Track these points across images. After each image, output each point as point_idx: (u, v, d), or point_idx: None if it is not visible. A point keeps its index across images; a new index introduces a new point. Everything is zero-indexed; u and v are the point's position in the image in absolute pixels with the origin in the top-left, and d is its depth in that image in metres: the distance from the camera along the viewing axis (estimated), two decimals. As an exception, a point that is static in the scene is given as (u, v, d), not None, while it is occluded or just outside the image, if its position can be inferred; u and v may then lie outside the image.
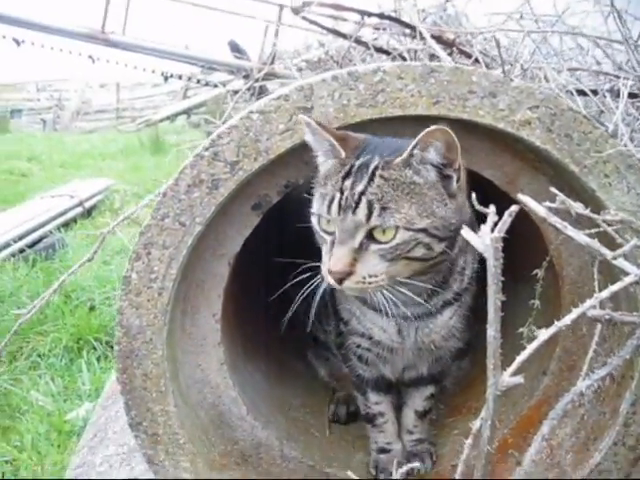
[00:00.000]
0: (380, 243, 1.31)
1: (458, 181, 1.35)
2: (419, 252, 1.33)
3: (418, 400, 1.75)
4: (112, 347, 3.70)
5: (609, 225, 1.12)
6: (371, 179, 1.31)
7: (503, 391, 1.07)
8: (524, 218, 1.36)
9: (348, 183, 1.32)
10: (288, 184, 1.43)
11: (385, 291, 1.35)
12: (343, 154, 1.36)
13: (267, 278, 1.96)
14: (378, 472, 1.68)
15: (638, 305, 1.28)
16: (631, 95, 2.66)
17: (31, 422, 3.02)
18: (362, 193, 1.30)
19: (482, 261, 0.96)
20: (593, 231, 1.13)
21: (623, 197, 1.32)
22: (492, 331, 0.89)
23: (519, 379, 0.93)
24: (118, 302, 1.34)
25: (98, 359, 3.63)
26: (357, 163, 1.35)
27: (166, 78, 7.40)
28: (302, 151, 1.38)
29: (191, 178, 1.30)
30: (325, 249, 1.36)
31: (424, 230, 1.32)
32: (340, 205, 1.32)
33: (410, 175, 1.32)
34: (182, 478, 1.41)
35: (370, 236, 1.31)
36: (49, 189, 6.98)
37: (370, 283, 1.31)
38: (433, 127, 1.26)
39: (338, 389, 2.00)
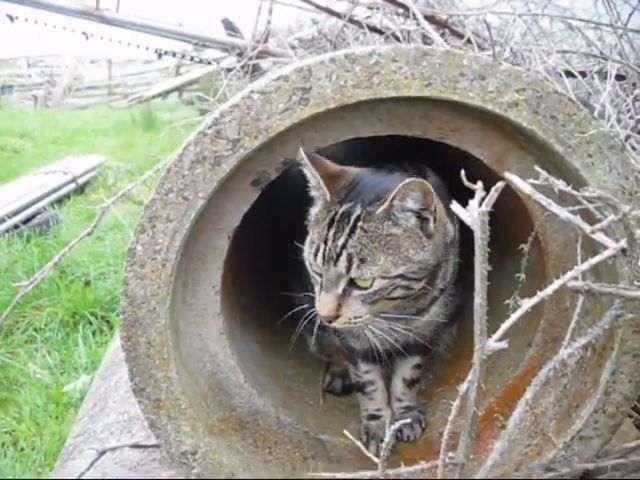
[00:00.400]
0: (361, 289, 1.45)
1: (435, 221, 1.48)
2: (398, 293, 1.48)
3: (406, 369, 1.83)
4: (107, 322, 3.80)
5: (590, 202, 1.19)
6: (352, 231, 1.44)
7: (489, 357, 1.14)
8: (511, 196, 1.43)
9: (331, 234, 1.46)
10: (286, 161, 1.49)
11: (371, 327, 1.52)
12: (328, 197, 1.49)
13: (264, 252, 2.03)
14: (369, 438, 1.76)
15: (617, 278, 1.34)
16: (619, 77, 2.73)
17: (29, 394, 3.09)
18: (343, 246, 1.44)
19: (469, 233, 1.03)
20: (576, 208, 1.19)
21: (605, 176, 1.39)
22: (479, 299, 0.96)
23: (504, 344, 1.00)
24: (123, 273, 1.39)
25: (94, 333, 3.70)
26: (340, 210, 1.48)
27: (160, 55, 7.39)
28: (299, 130, 1.44)
29: (194, 155, 1.36)
30: (316, 289, 1.51)
31: (400, 276, 1.46)
32: (324, 256, 1.46)
33: (389, 226, 1.44)
34: (183, 441, 1.48)
35: (352, 283, 1.45)
36: (42, 165, 6.99)
37: (355, 323, 1.48)
38: (409, 180, 1.39)
39: (330, 363, 2.07)
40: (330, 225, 1.47)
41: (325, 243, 1.46)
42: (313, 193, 1.56)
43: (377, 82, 1.35)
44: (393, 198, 1.41)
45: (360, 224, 1.45)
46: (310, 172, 1.51)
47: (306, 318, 1.60)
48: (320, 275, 1.49)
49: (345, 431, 1.26)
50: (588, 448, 1.50)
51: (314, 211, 1.56)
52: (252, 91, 1.34)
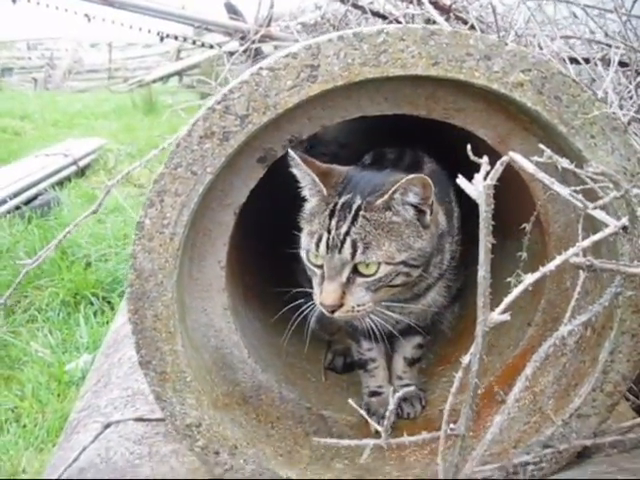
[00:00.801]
0: (365, 276, 1.49)
1: (431, 214, 1.55)
2: (399, 280, 1.53)
3: (407, 348, 1.87)
4: (109, 302, 3.83)
5: (593, 181, 1.21)
6: (354, 219, 1.49)
7: (490, 335, 1.17)
8: (514, 179, 1.45)
9: (334, 223, 1.50)
10: (292, 139, 1.51)
11: (373, 316, 1.55)
12: (325, 192, 1.55)
13: (268, 230, 2.05)
14: (370, 414, 1.78)
15: (618, 258, 1.36)
16: (621, 64, 2.74)
17: (31, 372, 3.13)
18: (347, 233, 1.48)
19: (472, 209, 1.05)
20: (578, 188, 1.21)
21: (607, 157, 1.41)
22: (482, 272, 0.98)
23: (506, 316, 1.02)
24: (131, 246, 1.41)
25: (95, 313, 3.74)
26: (340, 201, 1.53)
27: (162, 38, 7.37)
28: (307, 107, 1.46)
29: (203, 130, 1.37)
30: (315, 281, 1.54)
31: (403, 262, 1.51)
32: (328, 244, 1.49)
33: (390, 216, 1.50)
34: (188, 414, 1.50)
35: (355, 270, 1.49)
36: (43, 148, 7.00)
37: (359, 311, 1.51)
38: (413, 176, 1.46)
39: (332, 341, 2.10)
40: (331, 215, 1.52)
41: (328, 232, 1.50)
42: (305, 192, 1.60)
43: (384, 60, 1.37)
44: (395, 191, 1.48)
45: (362, 213, 1.50)
46: (303, 171, 1.55)
47: (301, 313, 1.64)
48: (320, 267, 1.52)
49: (350, 401, 1.28)
50: (586, 426, 1.53)
51: (309, 206, 1.60)
52: (261, 67, 1.36)
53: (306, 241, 1.56)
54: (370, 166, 1.75)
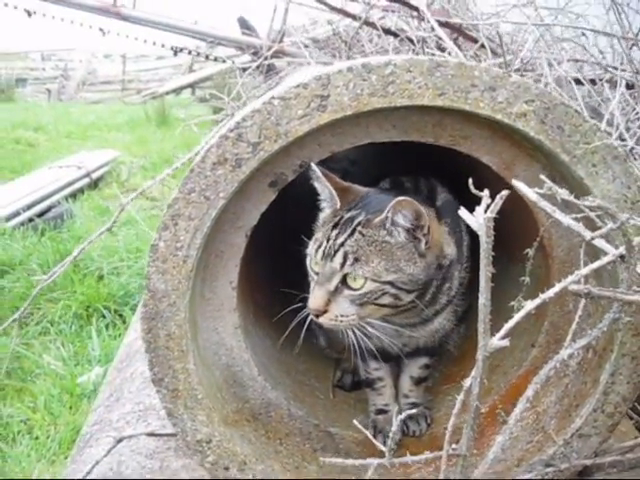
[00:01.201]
0: (351, 289, 1.55)
1: (427, 244, 1.59)
2: (386, 300, 1.57)
3: (414, 368, 1.91)
4: (120, 315, 3.88)
5: (591, 211, 1.25)
6: (352, 233, 1.56)
7: (495, 356, 1.20)
8: (519, 204, 1.50)
9: (334, 233, 1.58)
10: (302, 164, 1.56)
11: (356, 330, 1.59)
12: (338, 205, 1.63)
13: (277, 250, 2.09)
14: (376, 432, 1.82)
15: (618, 283, 1.40)
16: (628, 86, 2.78)
17: (44, 384, 3.17)
18: (342, 244, 1.55)
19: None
20: (579, 215, 1.25)
21: (609, 185, 1.45)
22: (483, 299, 1.02)
23: (506, 342, 1.06)
24: (146, 268, 1.46)
25: (107, 326, 3.78)
26: (346, 216, 1.60)
27: (175, 52, 7.47)
28: (317, 134, 1.51)
29: (216, 157, 1.43)
30: (311, 286, 1.60)
31: (390, 283, 1.55)
32: (323, 252, 1.57)
33: (383, 235, 1.55)
34: (199, 430, 1.54)
35: (344, 282, 1.55)
36: (56, 159, 7.08)
37: (342, 321, 1.56)
38: (400, 198, 1.51)
39: (340, 359, 2.14)
40: (334, 227, 1.60)
41: (327, 241, 1.58)
42: (323, 204, 1.68)
43: (392, 91, 1.41)
44: (388, 211, 1.53)
45: (359, 228, 1.56)
46: (323, 184, 1.64)
47: (305, 323, 1.67)
48: (316, 274, 1.59)
49: (355, 421, 1.32)
50: (587, 446, 1.56)
51: (322, 216, 1.68)
52: (273, 97, 1.41)
53: (310, 247, 1.63)
54: (388, 191, 1.79)
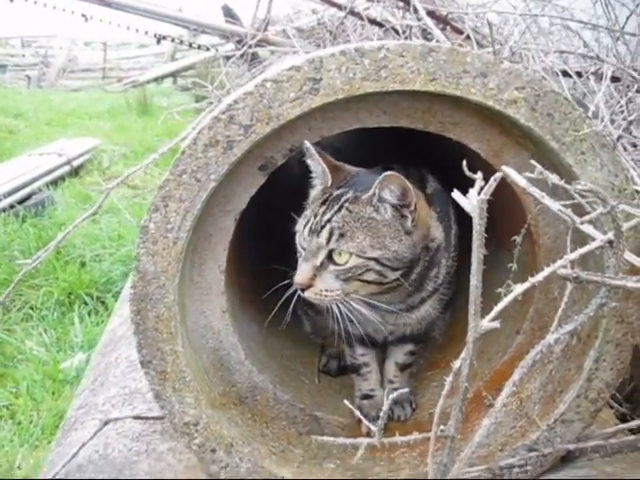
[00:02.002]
0: (337, 265, 1.56)
1: (413, 221, 1.60)
2: (371, 277, 1.58)
3: (399, 354, 1.93)
4: (103, 302, 3.87)
5: (582, 197, 1.27)
6: (339, 209, 1.58)
7: (480, 343, 1.21)
8: (507, 193, 1.51)
9: (322, 210, 1.60)
10: (293, 148, 1.56)
11: (341, 305, 1.60)
12: (329, 182, 1.65)
13: (265, 235, 2.10)
14: (362, 416, 1.83)
15: (604, 269, 1.42)
16: (614, 79, 2.80)
17: (26, 370, 3.17)
18: (328, 220, 1.58)
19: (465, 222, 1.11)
20: (568, 203, 1.27)
21: (596, 173, 1.47)
22: (474, 281, 1.03)
23: (496, 324, 1.07)
24: (135, 249, 1.45)
25: (89, 313, 3.78)
26: (335, 193, 1.63)
27: (159, 40, 7.40)
28: (308, 118, 1.52)
29: (208, 138, 1.42)
30: (299, 262, 1.61)
31: (375, 259, 1.57)
32: (311, 228, 1.60)
33: (370, 211, 1.57)
34: (187, 412, 1.54)
35: (330, 257, 1.57)
36: (36, 146, 7.03)
37: (326, 296, 1.58)
38: (388, 173, 1.53)
39: (326, 345, 2.15)
40: (323, 203, 1.62)
41: (315, 217, 1.60)
42: (315, 182, 1.69)
43: (384, 75, 1.42)
44: (375, 187, 1.55)
45: (347, 205, 1.58)
46: (316, 161, 1.64)
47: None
48: (304, 249, 1.61)
49: (346, 401, 1.33)
50: (570, 431, 1.58)
51: (313, 193, 1.69)
52: (265, 79, 1.41)
53: (299, 223, 1.66)
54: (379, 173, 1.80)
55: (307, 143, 1.57)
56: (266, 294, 1.75)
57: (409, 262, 1.62)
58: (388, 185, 1.54)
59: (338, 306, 1.60)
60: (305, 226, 1.62)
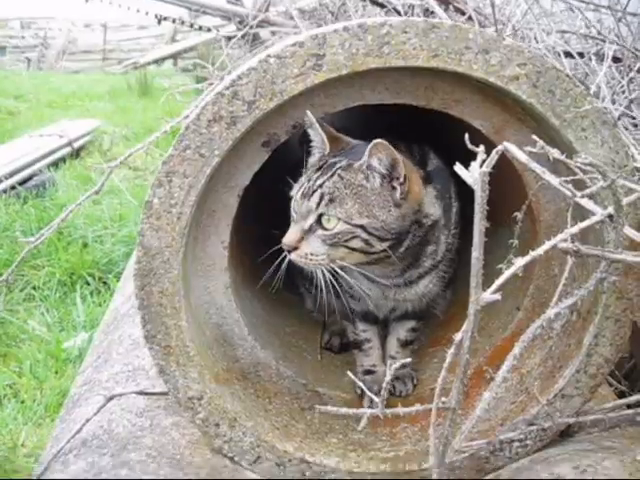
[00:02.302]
0: (325, 230, 1.59)
1: (402, 194, 1.62)
2: (357, 244, 1.61)
3: (401, 331, 1.95)
4: (105, 282, 3.88)
5: (583, 173, 1.28)
6: (331, 176, 1.61)
7: (481, 319, 1.23)
8: (508, 170, 1.52)
9: (315, 176, 1.63)
10: (296, 124, 1.57)
11: (326, 272, 1.63)
12: (327, 150, 1.68)
13: (268, 213, 2.11)
14: (364, 391, 1.85)
15: (604, 245, 1.43)
16: (615, 59, 2.80)
17: (29, 349, 3.18)
18: (320, 185, 1.61)
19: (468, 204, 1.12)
20: (569, 179, 1.28)
21: (597, 150, 1.47)
22: (476, 254, 1.04)
23: (497, 296, 1.09)
24: (139, 225, 1.47)
25: (91, 293, 3.79)
26: (330, 160, 1.66)
27: (159, 21, 7.38)
28: (311, 95, 1.53)
29: (212, 114, 1.43)
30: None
31: (362, 227, 1.59)
32: (303, 192, 1.63)
33: (360, 179, 1.60)
34: (190, 387, 1.56)
35: (319, 222, 1.60)
36: (37, 128, 7.01)
37: (311, 260, 1.61)
38: (377, 140, 1.55)
39: (328, 322, 2.17)
40: (317, 170, 1.66)
41: (308, 182, 1.64)
42: (314, 151, 1.72)
43: (387, 52, 1.43)
44: (366, 155, 1.58)
45: (339, 172, 1.61)
46: (316, 131, 1.66)
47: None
48: (296, 213, 1.64)
49: (349, 372, 1.35)
50: (569, 406, 1.60)
51: (310, 160, 1.72)
52: (269, 55, 1.42)
53: (294, 189, 1.68)
54: None
55: (309, 113, 1.58)
56: (262, 257, 1.78)
57: (397, 234, 1.64)
58: (377, 153, 1.57)
59: (323, 273, 1.63)
60: (298, 191, 1.65)
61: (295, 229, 1.61)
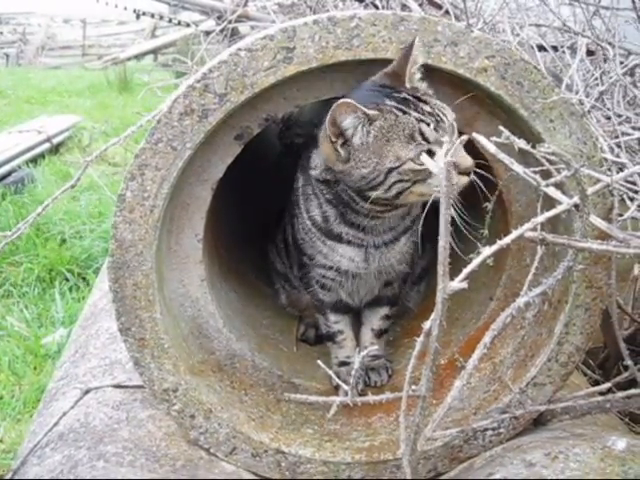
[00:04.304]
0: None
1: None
2: None
3: (374, 319, 1.96)
4: (84, 278, 3.86)
5: (550, 163, 1.30)
6: (425, 102, 1.49)
7: (455, 309, 1.25)
8: (479, 160, 1.54)
9: (415, 114, 1.47)
10: (268, 117, 1.58)
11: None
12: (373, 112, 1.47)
13: (243, 206, 2.12)
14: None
15: (572, 234, 1.45)
16: (589, 52, 2.84)
17: (8, 346, 3.15)
18: (433, 109, 1.47)
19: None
20: (537, 169, 1.30)
21: (565, 141, 1.50)
22: (442, 242, 1.06)
23: (464, 284, 1.10)
24: (112, 218, 1.47)
25: (70, 289, 3.76)
26: (391, 103, 1.49)
27: (138, 16, 7.35)
28: (282, 87, 1.53)
29: (183, 107, 1.44)
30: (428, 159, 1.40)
31: None
32: (431, 126, 1.45)
33: (420, 84, 1.53)
34: (165, 379, 1.57)
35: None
36: (16, 124, 6.94)
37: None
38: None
39: (302, 314, 2.19)
40: (410, 105, 1.49)
41: (421, 121, 1.46)
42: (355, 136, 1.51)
43: (357, 44, 1.44)
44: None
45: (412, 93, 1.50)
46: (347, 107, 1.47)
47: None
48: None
49: (320, 362, 1.36)
50: (541, 394, 1.63)
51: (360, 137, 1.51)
52: (239, 48, 1.43)
53: (404, 152, 1.46)
54: None
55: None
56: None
57: None
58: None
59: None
60: (426, 127, 1.46)
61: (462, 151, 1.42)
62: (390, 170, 1.47)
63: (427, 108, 1.48)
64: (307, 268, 1.88)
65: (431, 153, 1.42)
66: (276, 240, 2.18)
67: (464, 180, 1.45)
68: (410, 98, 1.49)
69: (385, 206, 1.61)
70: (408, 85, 1.50)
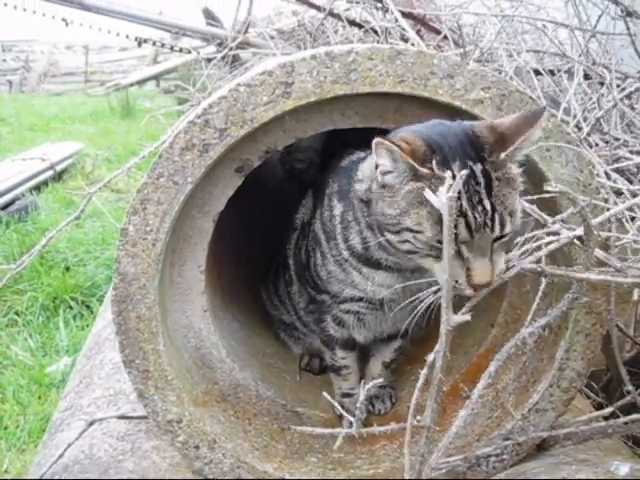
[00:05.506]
0: (502, 237, 1.31)
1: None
2: None
3: (387, 352, 1.94)
4: (88, 306, 3.88)
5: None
6: (488, 187, 1.28)
7: (456, 336, 1.25)
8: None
9: (465, 203, 1.24)
10: (268, 150, 1.60)
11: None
12: (425, 171, 1.26)
13: (245, 236, 2.13)
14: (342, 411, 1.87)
15: (572, 263, 1.47)
16: (586, 76, 2.86)
17: (12, 375, 3.16)
18: (493, 209, 1.27)
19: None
20: (534, 197, 1.32)
21: (562, 169, 1.51)
22: (445, 275, 1.08)
23: (467, 317, 1.12)
24: (115, 252, 1.49)
25: (74, 317, 3.77)
26: (452, 171, 1.24)
27: (139, 43, 7.43)
28: (282, 121, 1.55)
29: (184, 142, 1.46)
30: (433, 264, 1.33)
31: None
32: (473, 226, 1.26)
33: (511, 168, 1.33)
34: (169, 410, 1.58)
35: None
36: (19, 151, 6.97)
37: (499, 276, 1.33)
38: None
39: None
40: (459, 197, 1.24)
41: (465, 215, 1.25)
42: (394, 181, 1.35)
43: (354, 78, 1.47)
44: (518, 141, 1.32)
45: (494, 175, 1.29)
46: (399, 156, 1.30)
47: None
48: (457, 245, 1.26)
49: (325, 393, 1.37)
50: (544, 420, 1.64)
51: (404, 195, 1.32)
52: (239, 84, 1.45)
53: (428, 228, 1.27)
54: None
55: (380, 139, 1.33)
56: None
57: None
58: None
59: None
60: (457, 226, 1.23)
61: (485, 262, 1.28)
62: (408, 229, 1.32)
63: (486, 204, 1.27)
64: (323, 306, 1.83)
65: (459, 253, 1.26)
66: (279, 291, 2.13)
67: (469, 292, 1.31)
68: (478, 177, 1.27)
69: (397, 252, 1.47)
70: (502, 156, 1.31)
